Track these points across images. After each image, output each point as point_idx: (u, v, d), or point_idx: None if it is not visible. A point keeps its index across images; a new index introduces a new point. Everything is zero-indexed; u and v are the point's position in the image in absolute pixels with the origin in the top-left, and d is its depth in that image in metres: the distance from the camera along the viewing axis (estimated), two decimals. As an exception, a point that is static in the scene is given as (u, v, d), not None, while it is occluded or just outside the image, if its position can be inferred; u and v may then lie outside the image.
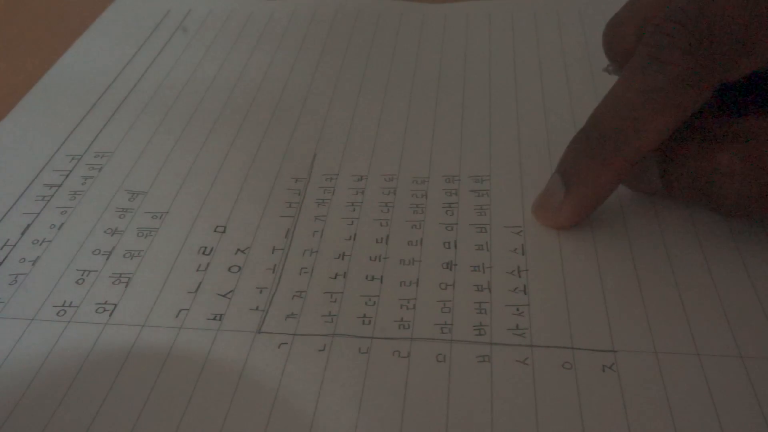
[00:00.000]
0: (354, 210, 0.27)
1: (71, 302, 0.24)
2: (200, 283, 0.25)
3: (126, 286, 0.25)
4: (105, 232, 0.27)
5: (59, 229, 0.27)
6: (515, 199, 0.27)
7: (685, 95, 0.22)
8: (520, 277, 0.24)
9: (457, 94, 0.33)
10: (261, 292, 0.24)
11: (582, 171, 0.24)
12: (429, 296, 0.24)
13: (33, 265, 0.26)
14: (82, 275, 0.25)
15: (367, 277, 0.24)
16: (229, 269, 0.25)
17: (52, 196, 0.29)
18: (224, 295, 0.24)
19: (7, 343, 0.23)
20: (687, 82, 0.22)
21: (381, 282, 0.24)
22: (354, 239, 0.26)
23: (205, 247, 0.26)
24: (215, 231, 0.27)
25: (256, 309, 0.24)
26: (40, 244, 0.26)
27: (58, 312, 0.24)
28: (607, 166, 0.24)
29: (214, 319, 0.23)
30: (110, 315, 0.24)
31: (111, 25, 0.41)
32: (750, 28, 0.22)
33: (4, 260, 0.26)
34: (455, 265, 0.25)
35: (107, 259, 0.26)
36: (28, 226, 0.27)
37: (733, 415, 0.20)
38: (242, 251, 0.26)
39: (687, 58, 0.22)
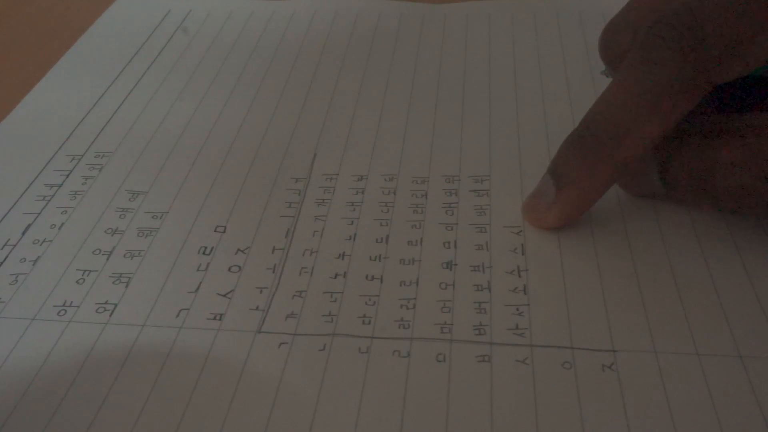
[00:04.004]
0: (354, 210, 0.27)
1: (72, 302, 0.24)
2: (200, 282, 0.25)
3: (126, 286, 0.25)
4: (105, 231, 0.27)
5: (60, 228, 0.27)
6: (515, 199, 0.27)
7: (676, 97, 0.22)
8: (520, 277, 0.24)
9: (457, 94, 0.33)
10: (261, 291, 0.24)
11: (573, 172, 0.24)
12: (429, 296, 0.24)
13: (33, 264, 0.26)
14: (83, 275, 0.25)
15: (367, 277, 0.24)
16: (230, 269, 0.25)
17: (53, 196, 0.29)
18: (224, 295, 0.24)
19: (7, 343, 0.23)
20: (679, 84, 0.22)
21: (381, 282, 0.24)
22: (354, 239, 0.26)
23: (206, 247, 0.26)
24: (215, 231, 0.27)
25: (256, 309, 0.24)
26: (41, 244, 0.26)
27: (59, 312, 0.24)
28: (599, 168, 0.24)
29: (215, 318, 0.23)
30: (111, 315, 0.24)
31: (112, 25, 0.41)
32: (741, 32, 0.22)
33: (4, 260, 0.26)
34: (455, 264, 0.25)
35: (108, 258, 0.26)
36: (29, 225, 0.27)
37: (732, 414, 0.20)
38: (242, 251, 0.26)
39: (679, 60, 0.22)
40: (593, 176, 0.24)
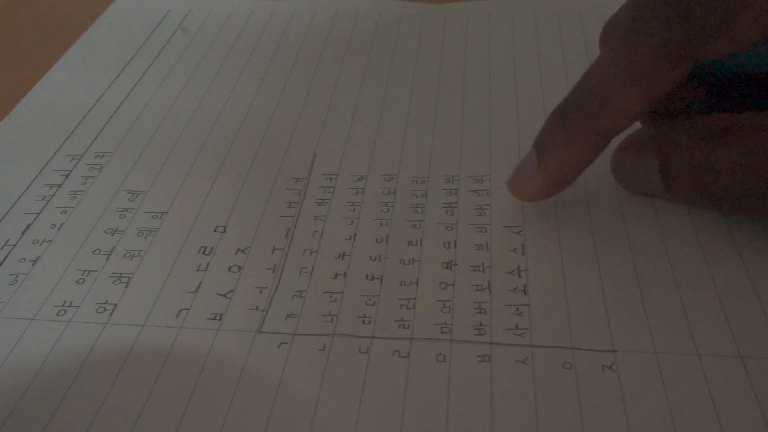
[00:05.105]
0: (354, 210, 0.27)
1: (71, 302, 0.24)
2: (200, 282, 0.25)
3: (126, 286, 0.25)
4: (105, 231, 0.27)
5: (59, 228, 0.27)
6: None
7: (660, 68, 0.22)
8: (520, 277, 0.24)
9: (457, 94, 0.33)
10: (261, 291, 0.24)
11: (554, 143, 0.24)
12: (429, 296, 0.24)
13: (33, 265, 0.26)
14: (83, 275, 0.25)
15: (367, 277, 0.24)
16: (229, 269, 0.25)
17: (53, 195, 0.29)
18: (224, 295, 0.24)
19: (7, 343, 0.23)
20: (663, 56, 0.22)
21: (381, 282, 0.24)
22: (354, 239, 0.26)
23: (205, 247, 0.26)
24: (215, 231, 0.27)
25: (256, 309, 0.24)
26: (41, 244, 0.26)
27: (59, 312, 0.24)
28: (579, 137, 0.24)
29: (214, 318, 0.23)
30: (110, 315, 0.24)
31: (111, 25, 0.41)
32: (728, 7, 0.22)
33: (4, 260, 0.26)
34: (455, 264, 0.25)
35: (107, 258, 0.26)
36: (29, 225, 0.27)
37: (733, 415, 0.20)
38: (242, 251, 0.26)
39: (665, 31, 0.22)
40: (572, 146, 0.24)
